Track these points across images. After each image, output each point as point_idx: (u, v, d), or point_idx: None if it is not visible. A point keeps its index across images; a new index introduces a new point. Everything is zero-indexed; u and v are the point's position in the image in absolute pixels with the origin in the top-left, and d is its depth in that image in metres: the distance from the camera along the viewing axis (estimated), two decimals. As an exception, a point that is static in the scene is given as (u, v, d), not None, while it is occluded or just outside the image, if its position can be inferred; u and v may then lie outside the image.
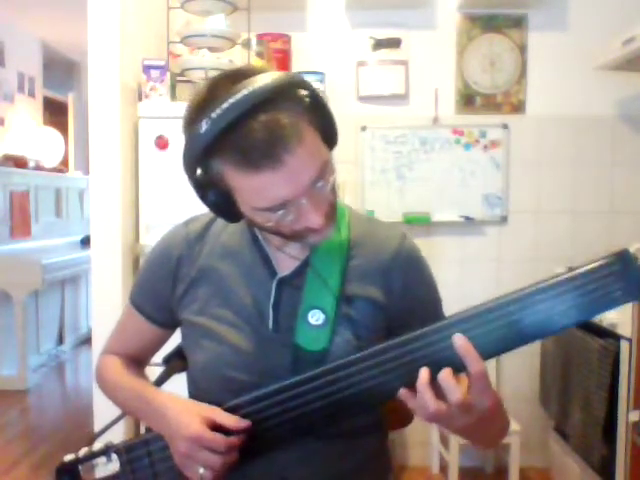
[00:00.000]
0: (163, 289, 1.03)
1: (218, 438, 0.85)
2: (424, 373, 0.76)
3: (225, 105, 0.77)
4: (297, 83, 0.83)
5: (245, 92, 0.78)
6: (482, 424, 0.78)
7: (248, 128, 0.77)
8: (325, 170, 0.83)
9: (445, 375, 0.74)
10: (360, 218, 1.05)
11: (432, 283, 1.03)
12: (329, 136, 0.87)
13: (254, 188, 0.81)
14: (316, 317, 0.93)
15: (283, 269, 0.97)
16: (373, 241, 1.00)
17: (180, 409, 0.91)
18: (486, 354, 0.75)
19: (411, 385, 0.77)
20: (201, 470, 0.86)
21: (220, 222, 1.03)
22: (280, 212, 0.83)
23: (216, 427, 0.87)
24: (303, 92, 0.83)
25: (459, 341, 0.75)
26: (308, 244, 0.92)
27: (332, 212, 0.88)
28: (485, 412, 0.76)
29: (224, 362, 0.95)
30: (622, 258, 0.72)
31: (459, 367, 0.75)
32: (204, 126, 0.78)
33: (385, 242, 1.00)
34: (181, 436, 0.87)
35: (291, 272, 0.97)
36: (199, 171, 0.85)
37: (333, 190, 0.87)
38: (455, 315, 0.78)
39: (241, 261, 0.99)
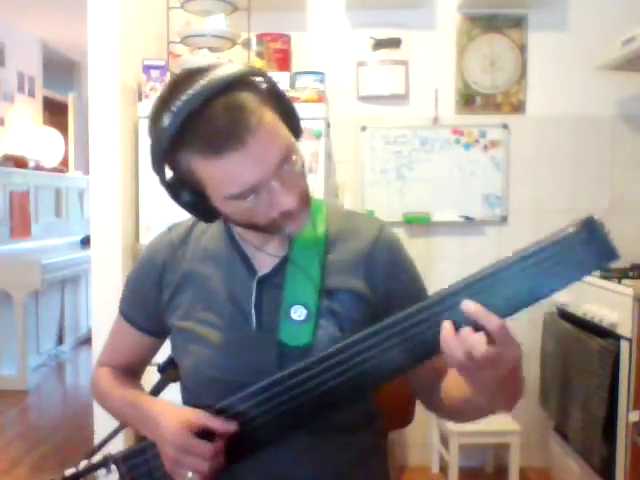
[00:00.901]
0: (150, 296, 1.04)
1: (202, 445, 0.86)
2: (447, 325, 0.73)
3: (184, 97, 0.79)
4: (253, 72, 0.86)
5: (203, 83, 0.80)
6: (509, 377, 0.75)
7: (208, 115, 0.79)
8: (290, 152, 0.84)
9: (466, 333, 0.71)
10: (338, 212, 1.05)
11: (414, 270, 1.03)
12: (290, 122, 0.88)
13: (222, 174, 0.82)
14: (298, 313, 0.93)
15: (262, 268, 0.98)
16: (351, 234, 1.00)
17: (168, 415, 0.91)
18: None
19: (402, 371, 0.78)
20: (189, 474, 0.87)
21: (201, 226, 1.03)
22: (251, 198, 0.83)
23: (205, 430, 0.87)
24: (260, 79, 0.86)
25: (468, 306, 0.71)
26: (286, 235, 0.93)
27: (305, 197, 0.88)
28: (514, 362, 0.73)
29: (210, 364, 0.95)
30: (588, 225, 0.70)
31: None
32: (166, 120, 0.80)
33: (363, 233, 1.00)
34: (168, 442, 0.88)
35: (271, 270, 0.97)
36: (169, 171, 0.86)
37: (303, 175, 0.88)
38: (429, 297, 0.78)
39: (221, 263, 1.00)
